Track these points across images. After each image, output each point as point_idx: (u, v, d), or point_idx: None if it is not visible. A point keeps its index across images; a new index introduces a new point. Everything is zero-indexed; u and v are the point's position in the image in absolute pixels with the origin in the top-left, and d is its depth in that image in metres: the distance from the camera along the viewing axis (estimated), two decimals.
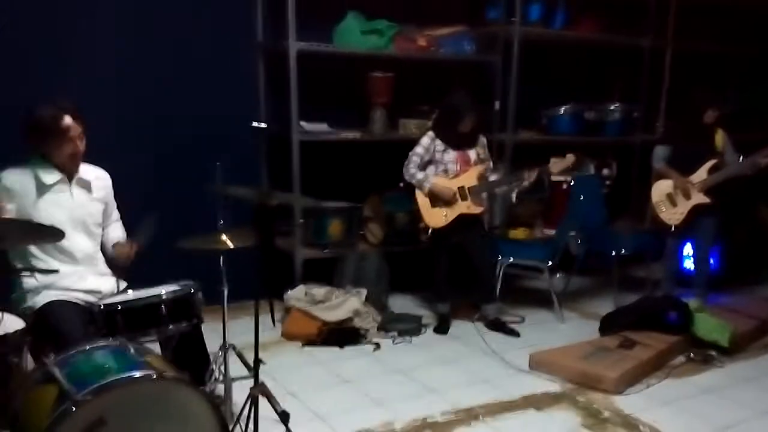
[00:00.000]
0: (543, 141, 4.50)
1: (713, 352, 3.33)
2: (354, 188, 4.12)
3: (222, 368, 2.39)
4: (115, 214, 2.60)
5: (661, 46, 4.84)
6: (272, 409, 2.30)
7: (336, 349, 3.38)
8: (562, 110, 4.57)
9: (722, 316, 3.56)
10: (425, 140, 3.60)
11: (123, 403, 1.69)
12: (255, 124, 2.63)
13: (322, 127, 3.93)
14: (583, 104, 4.66)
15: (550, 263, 3.81)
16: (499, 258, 3.89)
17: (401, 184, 3.76)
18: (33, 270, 2.28)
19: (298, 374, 3.06)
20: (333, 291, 3.65)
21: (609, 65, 5.08)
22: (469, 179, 3.59)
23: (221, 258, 2.39)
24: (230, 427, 2.11)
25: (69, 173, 2.36)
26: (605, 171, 4.81)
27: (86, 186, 2.42)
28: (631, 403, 2.84)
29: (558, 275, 4.27)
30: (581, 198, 4.03)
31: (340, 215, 3.97)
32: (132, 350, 1.88)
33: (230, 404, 2.37)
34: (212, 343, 2.50)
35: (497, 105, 4.36)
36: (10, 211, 2.24)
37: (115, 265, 2.50)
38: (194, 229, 2.35)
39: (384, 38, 3.98)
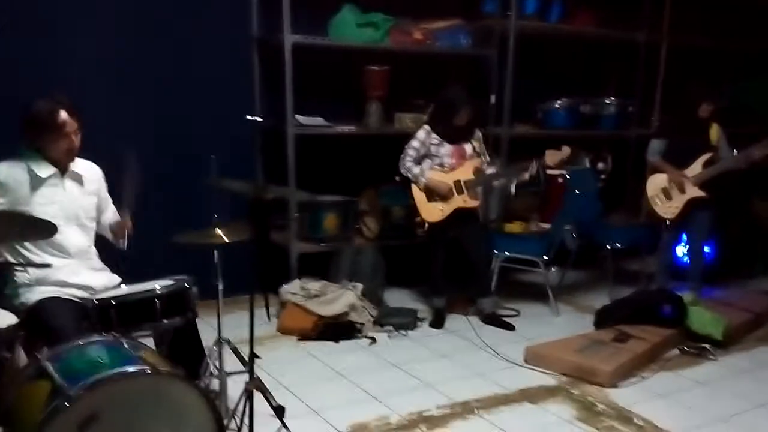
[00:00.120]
0: (539, 135, 4.50)
1: (707, 345, 3.35)
2: (349, 182, 4.11)
3: (217, 363, 2.39)
4: (111, 207, 2.58)
5: (656, 41, 4.84)
6: (267, 404, 2.30)
7: (331, 344, 3.38)
8: (557, 104, 4.57)
9: (716, 310, 3.57)
10: (421, 134, 3.59)
11: (117, 398, 1.68)
12: (250, 117, 2.61)
13: (318, 120, 3.91)
14: (579, 98, 4.67)
15: (546, 257, 3.82)
16: (495, 252, 3.89)
17: (397, 178, 3.75)
18: (26, 264, 2.27)
19: (293, 369, 3.06)
20: (328, 285, 3.64)
21: (604, 59, 5.08)
22: (465, 173, 3.58)
23: (216, 252, 2.38)
24: (225, 422, 2.11)
25: (63, 168, 2.34)
26: (600, 165, 4.81)
27: (78, 179, 2.41)
28: (626, 396, 2.86)
29: (553, 269, 4.28)
30: (576, 192, 4.03)
31: (336, 209, 3.96)
32: (126, 345, 1.87)
33: (225, 399, 2.37)
34: (207, 337, 2.50)
35: (493, 99, 4.35)
36: (2, 204, 2.23)
37: (117, 241, 2.52)
38: (189, 224, 2.34)
39: (380, 31, 3.96)
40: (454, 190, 3.56)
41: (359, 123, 4.05)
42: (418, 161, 3.60)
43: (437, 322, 3.69)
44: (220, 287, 2.37)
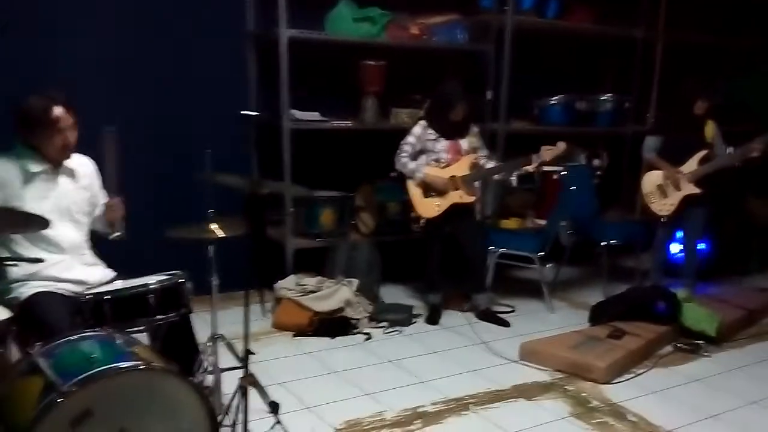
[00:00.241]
0: (535, 131, 4.50)
1: (701, 342, 3.36)
2: (345, 177, 4.09)
3: (211, 359, 2.38)
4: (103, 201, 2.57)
5: (652, 38, 4.84)
6: (262, 400, 2.29)
7: (327, 340, 3.37)
8: (554, 100, 4.56)
9: (710, 306, 3.59)
10: (417, 129, 3.58)
11: (110, 394, 1.67)
12: (245, 112, 2.60)
13: (314, 115, 3.90)
14: (575, 94, 4.66)
15: (541, 253, 3.82)
16: (490, 248, 3.89)
17: (393, 174, 3.75)
18: (18, 259, 2.25)
19: (288, 365, 3.05)
20: (324, 281, 3.64)
21: (601, 56, 5.08)
22: (461, 168, 3.58)
23: (211, 247, 2.37)
24: (219, 418, 2.10)
25: (57, 164, 2.32)
26: (596, 161, 4.82)
27: (72, 174, 2.39)
28: (620, 392, 2.87)
29: (548, 265, 4.29)
30: (572, 188, 4.04)
31: (332, 204, 3.95)
32: (119, 340, 1.86)
33: (220, 395, 2.36)
34: (201, 333, 2.49)
35: (489, 94, 4.34)
36: None
37: (113, 228, 2.46)
38: (183, 218, 2.33)
39: (376, 26, 3.94)
40: (450, 186, 3.55)
41: (355, 118, 4.03)
42: (414, 157, 3.59)
43: (433, 318, 3.69)
44: (215, 282, 2.36)
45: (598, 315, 3.58)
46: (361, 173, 4.14)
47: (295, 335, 3.41)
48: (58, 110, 2.22)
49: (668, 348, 3.36)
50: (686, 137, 3.82)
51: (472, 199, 3.61)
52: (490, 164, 3.70)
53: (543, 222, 4.21)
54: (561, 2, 4.45)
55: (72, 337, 1.85)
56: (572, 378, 2.98)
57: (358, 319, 3.52)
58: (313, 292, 3.54)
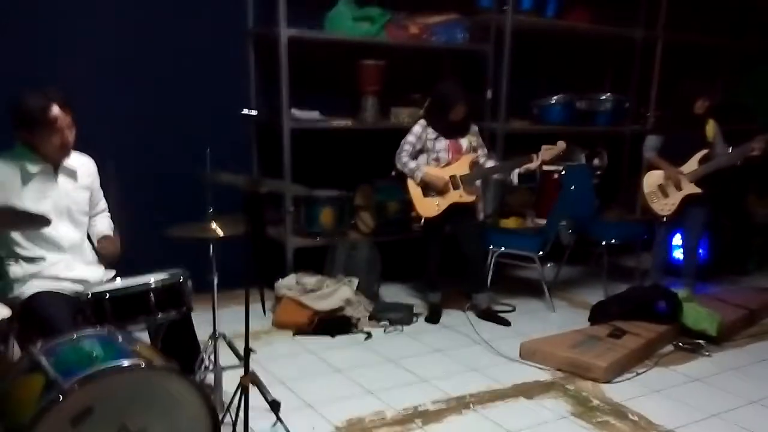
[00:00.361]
0: (534, 130, 4.50)
1: (701, 342, 3.36)
2: (345, 177, 4.09)
3: (212, 357, 2.38)
4: (102, 204, 2.55)
5: (652, 37, 4.85)
6: (263, 398, 2.29)
7: (327, 338, 3.37)
8: (553, 100, 4.56)
9: (710, 306, 3.58)
10: (417, 128, 3.58)
11: (111, 392, 1.67)
12: (245, 111, 2.60)
13: (313, 114, 3.89)
14: (575, 94, 4.67)
15: (541, 253, 3.82)
16: (490, 247, 3.89)
17: (393, 173, 3.74)
18: (19, 257, 2.25)
19: (288, 363, 3.05)
20: (324, 280, 3.63)
21: (601, 55, 5.08)
22: (461, 168, 3.57)
23: (211, 246, 2.37)
24: (220, 417, 2.10)
25: (55, 163, 2.32)
26: (596, 161, 4.82)
27: (72, 174, 2.38)
28: (620, 391, 2.87)
29: (548, 264, 4.29)
30: (572, 188, 4.04)
31: (332, 204, 3.95)
32: (120, 339, 1.86)
33: (220, 393, 2.36)
34: (202, 332, 2.49)
35: (489, 94, 4.34)
36: None
37: (104, 259, 2.46)
38: (184, 217, 2.32)
39: (376, 25, 3.94)
40: (450, 185, 3.55)
41: (355, 117, 4.03)
42: (414, 156, 3.59)
43: (433, 317, 3.69)
44: (215, 281, 2.36)
45: (598, 314, 3.58)
46: (361, 172, 4.13)
47: (295, 334, 3.41)
48: (55, 109, 2.22)
49: (669, 347, 3.35)
50: (686, 136, 3.82)
51: (471, 198, 3.61)
52: (490, 163, 3.70)
53: (543, 221, 4.21)
54: (560, 2, 4.45)
55: (73, 336, 1.84)
56: (573, 377, 2.98)
57: (358, 318, 3.52)
58: (313, 291, 3.54)
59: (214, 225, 2.27)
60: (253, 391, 2.23)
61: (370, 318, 3.58)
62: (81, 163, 2.43)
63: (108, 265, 2.45)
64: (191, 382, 1.83)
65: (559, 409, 2.69)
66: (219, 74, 3.74)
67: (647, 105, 4.95)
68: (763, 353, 3.37)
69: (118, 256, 2.44)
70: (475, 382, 2.92)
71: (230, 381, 2.33)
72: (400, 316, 3.61)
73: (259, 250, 3.50)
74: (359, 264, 3.82)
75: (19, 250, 2.27)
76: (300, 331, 3.42)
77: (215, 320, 2.39)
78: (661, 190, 3.89)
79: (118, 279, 2.31)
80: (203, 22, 3.66)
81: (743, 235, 4.84)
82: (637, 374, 3.04)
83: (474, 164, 3.62)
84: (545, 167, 4.19)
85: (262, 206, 3.85)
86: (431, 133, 3.56)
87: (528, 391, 2.85)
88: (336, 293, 3.51)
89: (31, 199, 2.25)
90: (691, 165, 3.81)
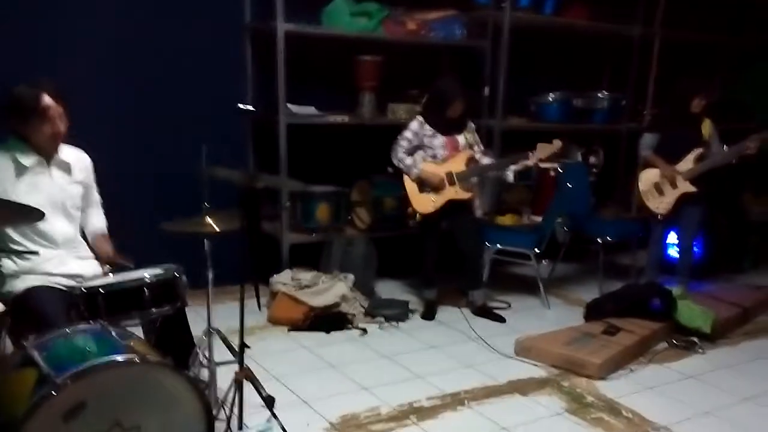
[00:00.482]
0: (531, 128, 4.49)
1: (695, 339, 3.37)
2: (342, 172, 4.09)
3: (206, 353, 2.37)
4: (96, 198, 2.54)
5: (649, 35, 4.84)
6: (257, 394, 2.29)
7: (322, 334, 3.37)
8: (550, 97, 4.56)
9: (705, 304, 3.60)
10: (414, 125, 3.57)
11: (104, 387, 1.67)
12: (242, 106, 2.58)
13: (310, 110, 3.88)
14: (572, 91, 4.66)
15: (537, 250, 3.83)
16: (487, 244, 3.89)
17: (389, 169, 3.74)
18: (12, 252, 2.23)
19: (283, 359, 3.05)
20: (320, 276, 3.63)
21: (598, 53, 5.08)
22: (458, 164, 3.57)
23: (206, 241, 2.36)
24: (214, 412, 2.10)
25: (48, 155, 2.30)
26: (592, 158, 4.82)
27: (66, 168, 2.36)
28: (615, 388, 2.87)
29: (544, 262, 4.29)
30: (568, 185, 4.04)
31: (328, 199, 3.94)
32: (114, 334, 1.85)
33: (215, 389, 2.35)
34: (197, 327, 2.48)
35: (486, 91, 4.33)
36: None
37: (101, 260, 2.45)
38: (179, 212, 2.31)
39: (373, 21, 3.93)
40: (447, 182, 3.55)
41: (352, 113, 4.02)
42: (411, 152, 3.58)
43: (428, 314, 3.69)
44: (210, 276, 2.35)
45: (593, 311, 3.59)
46: (358, 168, 4.13)
47: (290, 330, 3.40)
48: (47, 99, 2.20)
49: (663, 344, 3.36)
50: (683, 135, 3.82)
51: (467, 195, 3.61)
52: (487, 160, 3.69)
53: (539, 218, 4.21)
54: None
55: (66, 330, 1.84)
56: (567, 374, 2.98)
57: (353, 314, 3.52)
58: (308, 286, 3.53)
59: (209, 220, 2.26)
60: (248, 387, 2.22)
61: (366, 314, 3.58)
62: (76, 157, 2.42)
63: (107, 266, 2.44)
64: (185, 377, 1.83)
65: (553, 406, 2.70)
66: (216, 69, 3.72)
67: (644, 103, 4.95)
68: (757, 351, 3.39)
69: (113, 257, 2.42)
70: (470, 378, 2.92)
71: (225, 377, 2.32)
72: (396, 313, 3.61)
73: (254, 246, 3.50)
74: (355, 260, 3.81)
75: (12, 245, 2.25)
76: (295, 326, 3.41)
77: (210, 316, 2.38)
78: (657, 188, 3.89)
79: (112, 274, 2.30)
80: (200, 17, 3.64)
81: (739, 233, 4.85)
82: (632, 371, 3.05)
83: (470, 161, 3.61)
84: (542, 165, 4.19)
85: (258, 202, 3.84)
86: (428, 129, 3.56)
87: (523, 387, 2.86)
88: (331, 289, 3.51)
89: (24, 192, 2.23)
90: (687, 163, 3.81)
